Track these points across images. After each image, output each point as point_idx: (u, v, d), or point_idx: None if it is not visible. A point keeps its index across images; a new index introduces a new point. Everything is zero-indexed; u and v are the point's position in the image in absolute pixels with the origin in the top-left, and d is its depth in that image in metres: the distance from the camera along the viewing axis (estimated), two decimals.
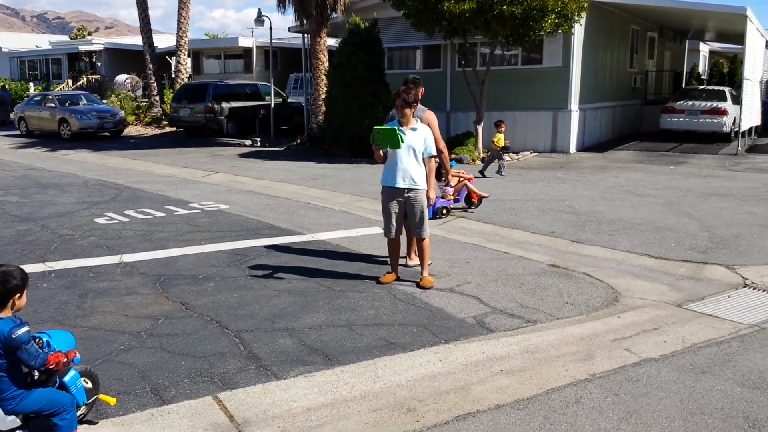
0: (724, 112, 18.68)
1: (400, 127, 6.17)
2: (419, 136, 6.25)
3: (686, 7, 18.84)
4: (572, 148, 17.45)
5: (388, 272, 6.57)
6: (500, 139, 13.36)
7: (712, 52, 35.99)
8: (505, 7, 13.79)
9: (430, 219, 8.29)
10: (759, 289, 6.45)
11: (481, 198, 10.19)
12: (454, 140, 17.12)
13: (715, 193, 11.30)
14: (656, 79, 24.62)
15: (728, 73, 33.43)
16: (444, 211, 9.71)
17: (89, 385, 3.82)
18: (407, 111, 6.19)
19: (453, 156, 10.83)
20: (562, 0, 13.96)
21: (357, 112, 15.66)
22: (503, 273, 6.88)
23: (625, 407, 3.94)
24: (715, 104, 18.92)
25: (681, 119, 19.06)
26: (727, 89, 20.46)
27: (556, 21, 14.28)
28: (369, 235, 8.45)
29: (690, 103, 19.18)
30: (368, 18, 16.93)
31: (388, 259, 6.72)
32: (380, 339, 5.06)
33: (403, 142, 6.07)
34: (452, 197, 9.91)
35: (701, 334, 5.21)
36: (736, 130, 18.07)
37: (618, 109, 20.63)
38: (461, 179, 9.97)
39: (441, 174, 9.69)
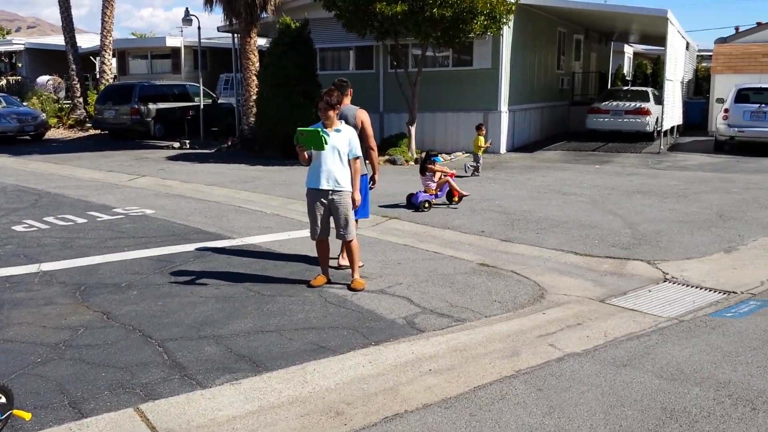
0: (647, 112, 19.38)
1: (324, 129, 6.14)
2: (344, 137, 6.23)
3: (609, 10, 19.48)
4: (503, 149, 17.77)
5: (319, 275, 6.52)
6: (481, 141, 13.70)
7: (636, 54, 37.33)
8: (435, 10, 13.91)
9: (415, 211, 8.51)
10: (678, 283, 6.70)
11: (461, 196, 10.56)
12: (388, 141, 17.18)
13: (638, 190, 11.71)
14: (583, 80, 25.36)
15: (651, 74, 34.73)
16: (426, 205, 10.11)
17: (3, 400, 3.66)
18: (330, 113, 6.18)
19: (434, 152, 11.13)
20: (491, 2, 14.19)
21: (288, 112, 15.50)
22: (434, 273, 6.93)
23: (549, 402, 4.02)
24: (638, 104, 19.61)
25: (606, 119, 19.68)
26: (650, 90, 21.25)
27: (485, 23, 14.51)
28: (301, 237, 8.36)
29: (615, 103, 19.83)
30: (299, 18, 16.80)
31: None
32: (310, 343, 5.01)
33: (326, 143, 6.03)
34: (434, 192, 10.30)
35: (623, 328, 5.37)
36: (658, 129, 18.77)
37: (546, 110, 21.14)
38: (444, 175, 10.36)
39: (424, 168, 10.44)
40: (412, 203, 10.19)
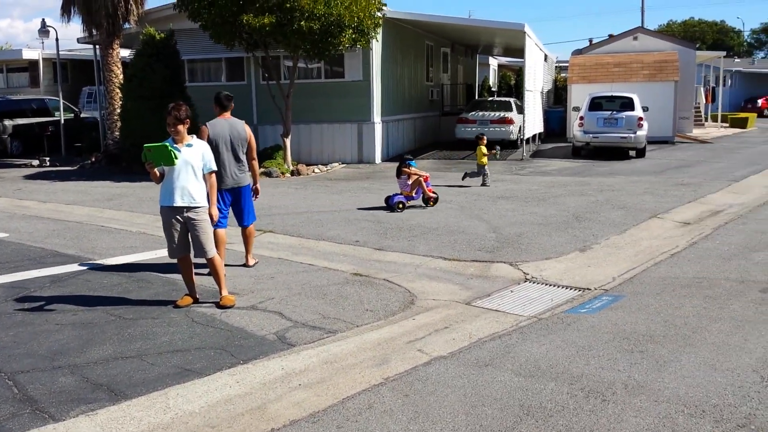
0: (510, 121, 20.36)
1: (174, 144, 5.99)
2: (196, 151, 6.10)
3: (471, 24, 20.36)
4: (378, 159, 18.05)
5: (185, 295, 6.31)
6: (483, 151, 13.49)
7: (500, 66, 39.12)
8: (303, 23, 13.93)
9: (390, 212, 9.92)
10: (538, 283, 7.07)
11: (435, 199, 11.14)
12: (263, 153, 16.96)
13: (502, 196, 12.26)
14: (451, 91, 26.27)
15: (515, 84, 36.47)
16: (400, 206, 10.79)
17: None
18: (180, 128, 6.07)
19: (408, 156, 11.52)
20: (358, 16, 14.39)
21: (156, 126, 14.88)
22: (308, 285, 6.90)
23: (414, 407, 4.10)
24: (502, 114, 20.56)
25: (474, 128, 20.42)
26: (512, 100, 22.34)
27: (354, 36, 14.70)
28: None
29: (481, 113, 20.68)
30: (164, 29, 16.27)
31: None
32: (174, 367, 4.82)
33: (177, 158, 5.87)
34: (409, 194, 10.95)
35: (486, 329, 5.58)
36: (522, 137, 19.76)
37: (418, 120, 21.71)
38: (418, 177, 10.92)
39: (400, 171, 11.05)
40: (389, 204, 10.89)
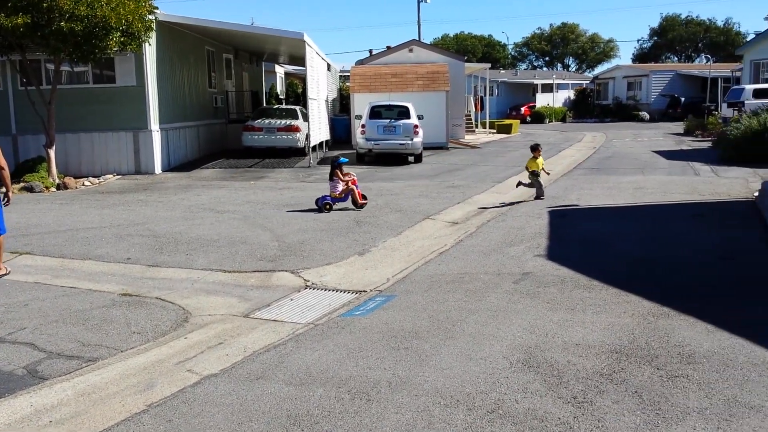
0: (296, 129, 20.50)
1: None
2: None
3: (250, 31, 20.26)
4: (157, 169, 17.18)
5: None
6: (538, 165, 12.19)
7: (287, 74, 39.33)
8: (64, 24, 12.85)
9: (318, 212, 10.48)
10: (318, 289, 7.14)
11: (362, 204, 11.39)
12: (24, 166, 15.40)
13: (287, 203, 12.26)
14: (237, 98, 25.85)
15: (302, 92, 36.88)
16: (327, 207, 11.20)
17: None
18: None
19: (337, 156, 11.51)
20: (127, 18, 13.59)
21: None
22: (67, 311, 6.31)
23: None
24: (288, 122, 20.65)
25: (261, 136, 20.33)
26: (298, 108, 22.53)
27: (123, 40, 13.87)
28: None
29: (267, 121, 20.58)
30: None
31: None
32: None
33: None
34: (338, 195, 11.29)
35: (262, 341, 5.50)
36: (308, 144, 19.95)
37: (203, 128, 21.04)
38: (348, 181, 11.31)
39: (332, 176, 11.35)
40: (318, 205, 11.29)
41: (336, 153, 22.36)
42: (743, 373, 4.44)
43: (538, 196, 12.24)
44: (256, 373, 4.76)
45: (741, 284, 6.63)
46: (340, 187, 11.38)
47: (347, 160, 11.97)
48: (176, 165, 18.37)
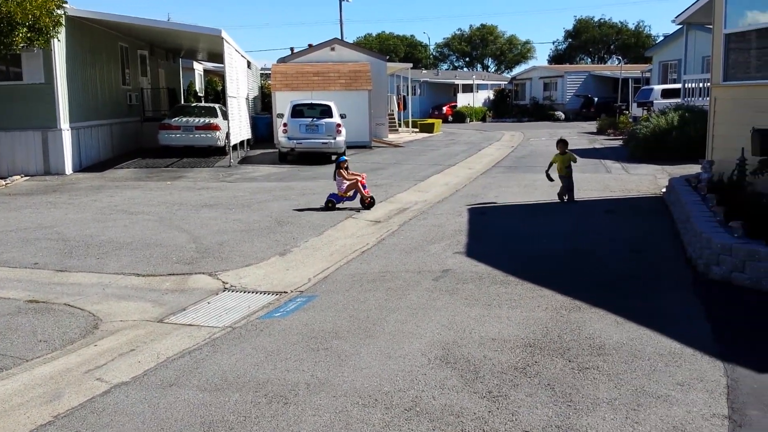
0: (216, 128, 20.07)
1: None
2: None
3: (165, 27, 19.71)
4: (68, 169, 16.43)
5: None
6: (561, 162, 11.49)
7: (207, 71, 38.41)
8: None
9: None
10: (237, 291, 7.00)
11: (371, 200, 11.16)
12: None
13: (206, 204, 11.98)
14: (153, 96, 25.05)
15: (222, 90, 36.17)
16: (330, 204, 11.11)
17: None
18: None
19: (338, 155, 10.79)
20: (34, 14, 12.94)
21: None
22: None
23: None
24: (207, 120, 20.17)
25: (178, 135, 19.77)
26: (218, 106, 22.05)
27: (29, 35, 13.20)
28: None
29: (185, 119, 20.05)
30: None
31: None
32: None
33: None
34: (344, 194, 11.09)
35: (177, 346, 5.34)
36: (228, 143, 19.57)
37: (116, 126, 20.28)
38: (354, 181, 11.05)
39: (336, 174, 11.21)
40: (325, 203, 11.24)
41: (258, 152, 22.07)
42: (650, 364, 4.63)
43: (571, 198, 11.39)
44: (169, 379, 4.62)
45: (649, 277, 6.93)
46: (345, 184, 11.20)
47: (346, 158, 11.93)
48: (88, 165, 17.64)
